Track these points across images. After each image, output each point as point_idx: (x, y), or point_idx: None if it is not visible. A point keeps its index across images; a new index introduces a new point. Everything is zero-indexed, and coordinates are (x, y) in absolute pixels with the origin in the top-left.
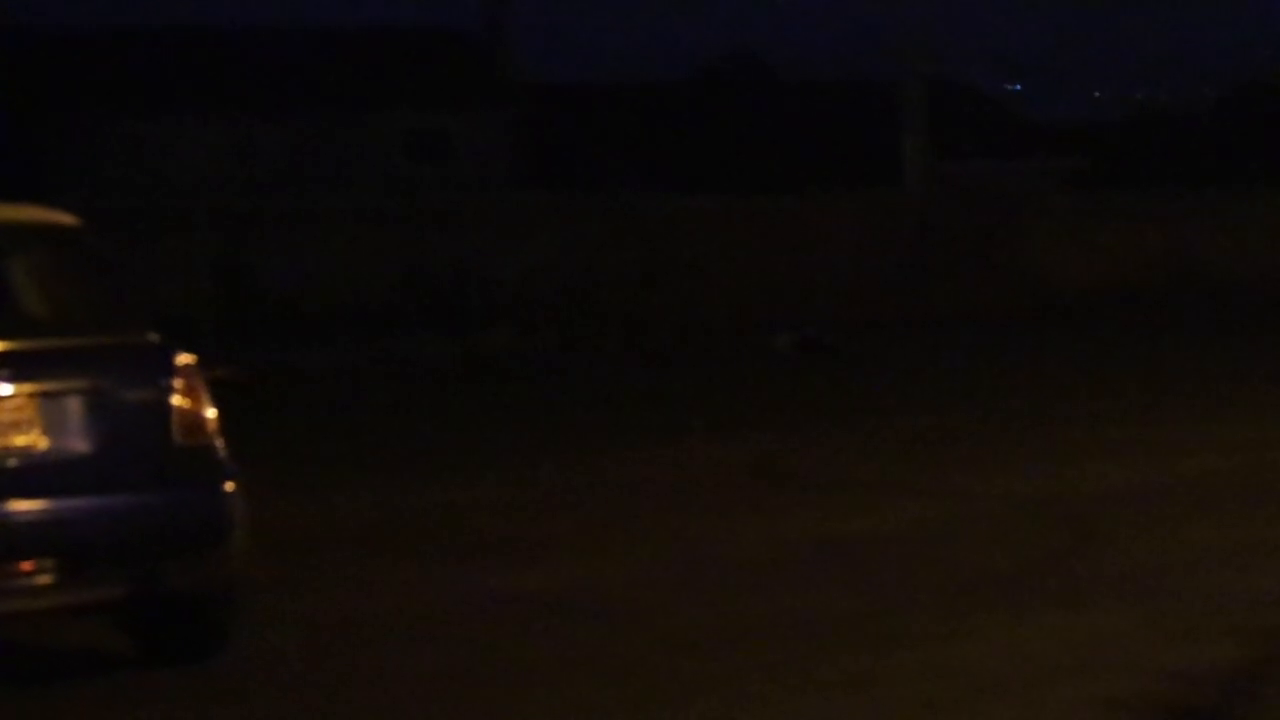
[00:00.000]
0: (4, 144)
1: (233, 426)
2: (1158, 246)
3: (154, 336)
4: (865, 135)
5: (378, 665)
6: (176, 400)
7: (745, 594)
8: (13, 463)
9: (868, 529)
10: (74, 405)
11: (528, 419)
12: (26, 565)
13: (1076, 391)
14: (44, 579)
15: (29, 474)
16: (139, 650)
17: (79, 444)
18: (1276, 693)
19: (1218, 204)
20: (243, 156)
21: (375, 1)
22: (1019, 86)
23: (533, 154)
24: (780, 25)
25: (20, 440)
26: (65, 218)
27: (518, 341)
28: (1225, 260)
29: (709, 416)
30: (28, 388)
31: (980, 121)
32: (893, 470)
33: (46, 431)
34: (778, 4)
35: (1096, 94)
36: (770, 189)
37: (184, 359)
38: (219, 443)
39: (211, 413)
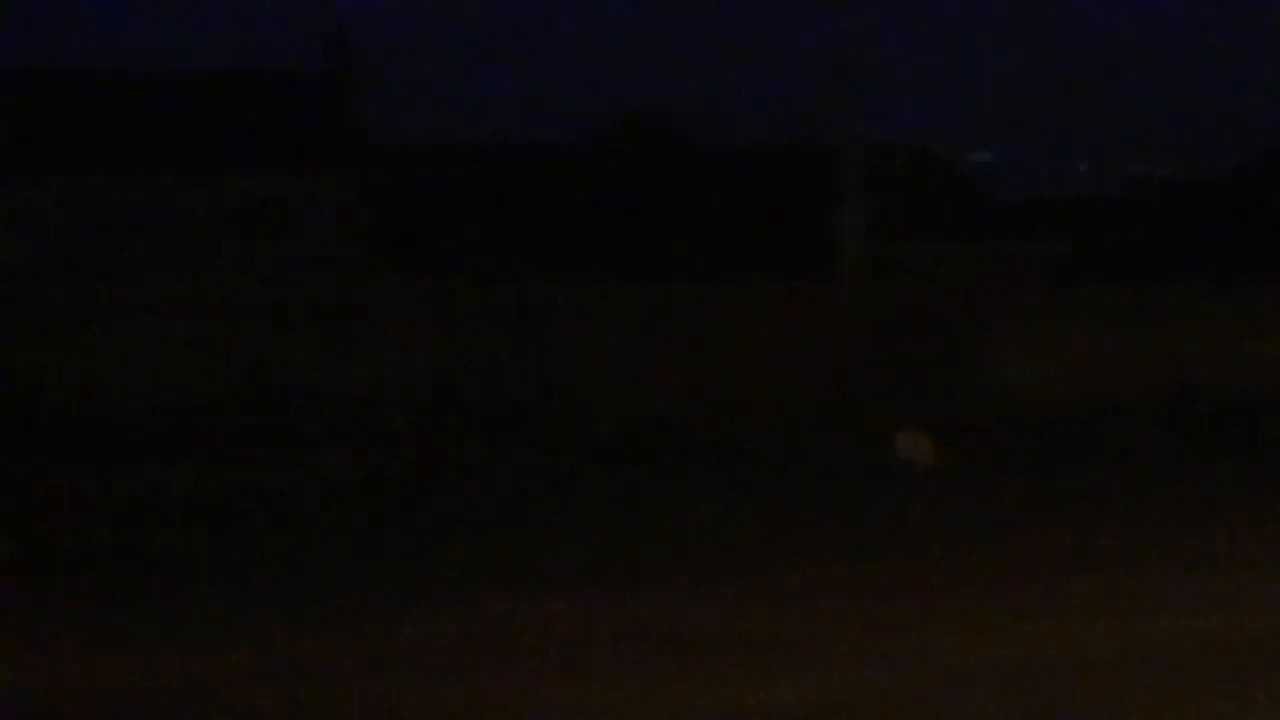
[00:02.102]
0: None
1: None
2: (1152, 353)
3: None
4: (797, 209)
5: None
6: None
7: None
8: None
9: (775, 703)
10: None
11: (346, 564)
12: None
13: (1044, 529)
14: None
15: None
16: None
17: None
18: None
19: (1232, 300)
20: (20, 229)
21: (195, 39)
22: (988, 157)
23: (390, 228)
24: (703, 81)
25: None
26: None
27: (364, 464)
28: (1239, 371)
29: (585, 559)
30: None
31: (938, 197)
32: (812, 630)
33: None
34: (701, 57)
35: (1083, 167)
36: (676, 271)
37: None
38: None
39: None
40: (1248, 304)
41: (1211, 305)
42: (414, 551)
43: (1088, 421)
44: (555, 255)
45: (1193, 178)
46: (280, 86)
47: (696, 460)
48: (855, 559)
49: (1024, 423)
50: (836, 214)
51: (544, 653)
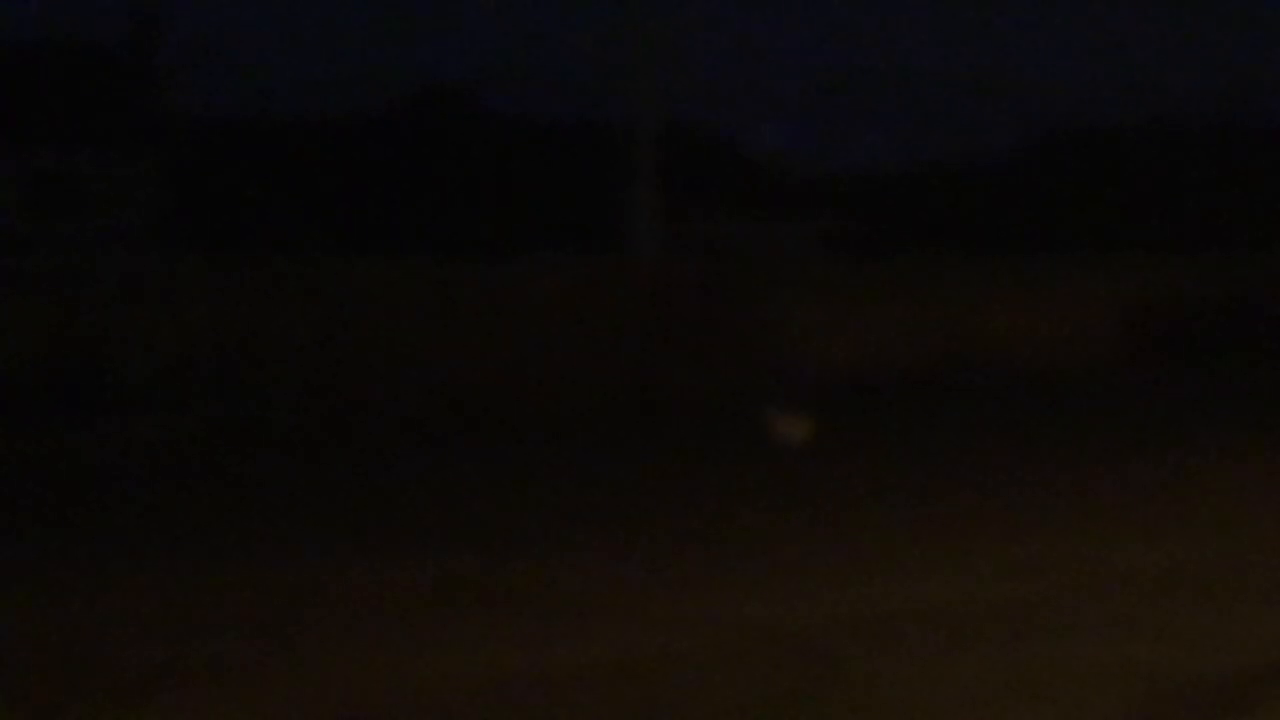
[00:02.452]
0: None
1: None
2: (933, 325)
3: None
4: (594, 186)
5: None
6: None
7: None
8: None
9: (571, 660)
10: None
11: (152, 528)
12: None
13: (823, 497)
14: None
15: None
16: None
17: None
18: None
19: (1008, 274)
20: None
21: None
22: (779, 134)
23: (193, 204)
24: (511, 57)
25: None
26: None
27: (159, 431)
28: (1013, 342)
29: (387, 525)
30: None
31: (728, 174)
32: (605, 591)
33: None
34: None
35: (872, 144)
36: (471, 245)
37: None
38: None
39: None
40: (1023, 278)
41: (988, 279)
42: (222, 518)
43: (877, 393)
44: (354, 229)
45: (976, 158)
46: (81, 60)
47: (495, 433)
48: (652, 524)
49: (816, 397)
50: (629, 191)
51: (358, 614)
